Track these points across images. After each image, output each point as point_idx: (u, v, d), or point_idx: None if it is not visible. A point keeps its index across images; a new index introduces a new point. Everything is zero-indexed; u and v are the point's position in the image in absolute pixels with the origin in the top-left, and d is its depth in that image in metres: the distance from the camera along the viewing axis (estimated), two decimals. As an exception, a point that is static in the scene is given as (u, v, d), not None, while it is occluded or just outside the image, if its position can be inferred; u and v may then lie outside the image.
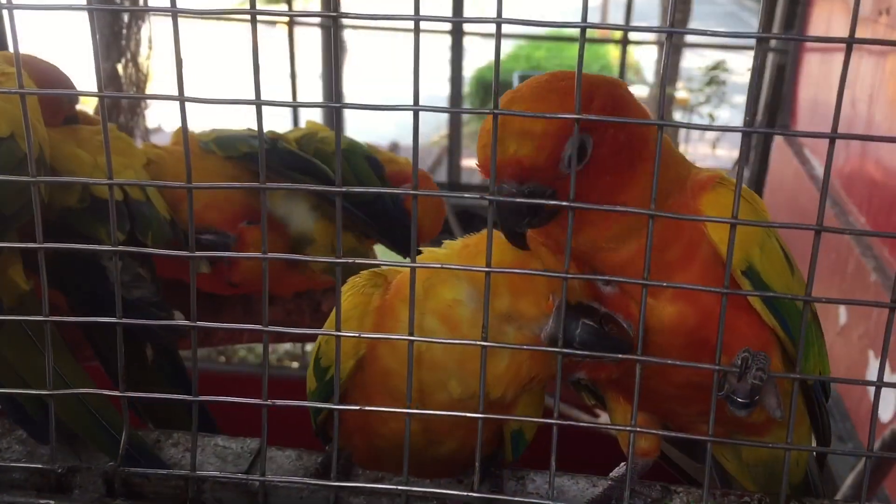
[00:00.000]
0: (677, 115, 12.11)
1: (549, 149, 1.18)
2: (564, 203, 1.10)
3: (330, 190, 1.13)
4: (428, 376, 1.35)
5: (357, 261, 1.20)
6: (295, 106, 1.21)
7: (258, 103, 1.10)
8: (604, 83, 1.25)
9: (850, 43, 1.02)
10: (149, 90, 3.41)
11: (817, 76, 6.11)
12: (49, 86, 1.85)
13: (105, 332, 1.74)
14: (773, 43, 6.87)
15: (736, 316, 1.29)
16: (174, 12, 1.07)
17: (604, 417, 4.74)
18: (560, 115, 1.12)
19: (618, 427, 1.46)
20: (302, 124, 3.40)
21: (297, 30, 7.12)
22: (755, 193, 1.41)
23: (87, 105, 2.34)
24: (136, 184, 1.18)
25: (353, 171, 2.28)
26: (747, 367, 1.20)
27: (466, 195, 1.61)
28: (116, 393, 1.23)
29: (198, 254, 1.18)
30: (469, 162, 9.50)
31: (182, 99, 1.12)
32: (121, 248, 1.19)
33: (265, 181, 1.15)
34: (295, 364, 6.50)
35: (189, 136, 2.22)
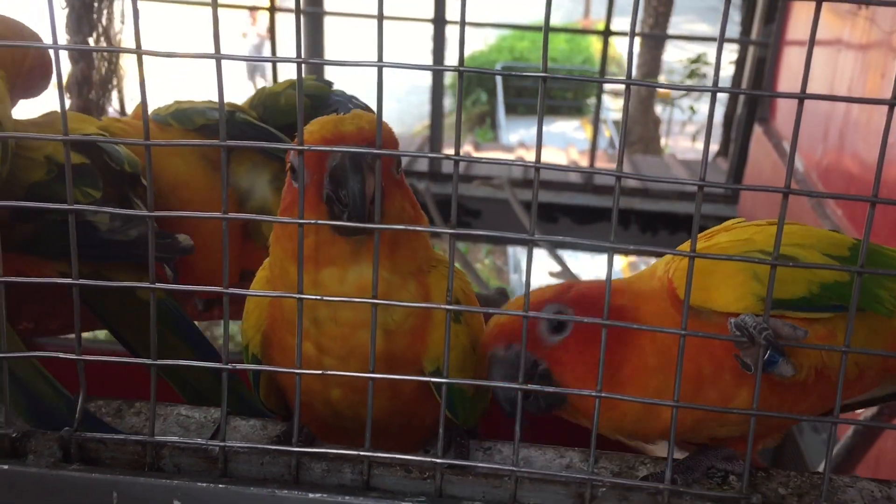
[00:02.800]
0: (658, 108, 12.14)
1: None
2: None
3: (291, 147, 1.12)
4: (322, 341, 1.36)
5: (319, 222, 1.18)
6: (254, 60, 1.19)
7: (218, 57, 1.08)
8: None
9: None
10: (122, 66, 3.37)
11: (797, 69, 6.14)
12: (14, 39, 1.83)
13: (103, 291, 1.76)
14: (753, 35, 6.90)
15: None
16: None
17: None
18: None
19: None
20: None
21: (280, 17, 7.07)
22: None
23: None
24: (93, 139, 1.15)
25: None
26: (750, 334, 1.16)
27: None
28: (72, 356, 1.21)
29: (156, 213, 1.16)
30: (451, 151, 9.45)
31: (139, 52, 1.10)
32: (75, 206, 1.16)
33: (226, 139, 1.13)
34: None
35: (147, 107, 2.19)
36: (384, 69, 1.07)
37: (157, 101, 2.25)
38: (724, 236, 1.40)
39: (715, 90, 1.04)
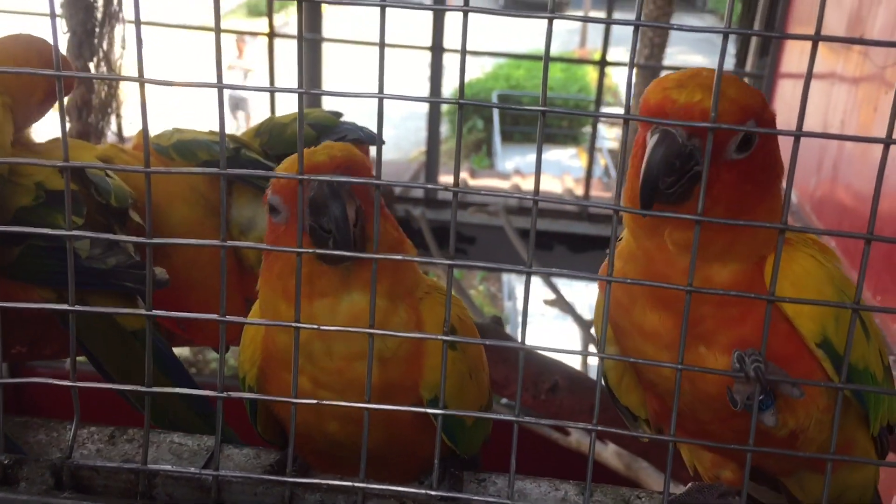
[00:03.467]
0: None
1: (734, 115, 1.15)
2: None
3: (293, 177, 1.12)
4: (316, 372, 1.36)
5: (316, 251, 1.19)
6: (257, 90, 1.19)
7: (219, 87, 1.09)
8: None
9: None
10: (121, 91, 3.39)
11: (791, 101, 6.19)
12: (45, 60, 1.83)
13: (85, 318, 1.76)
14: (748, 67, 6.96)
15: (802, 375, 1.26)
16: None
17: (575, 435, 4.72)
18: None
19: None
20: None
21: (277, 42, 7.11)
22: (831, 250, 1.35)
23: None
24: (91, 166, 1.16)
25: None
26: (744, 365, 1.16)
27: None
28: (66, 382, 1.20)
29: (155, 240, 1.16)
30: (446, 178, 9.49)
31: (142, 81, 1.10)
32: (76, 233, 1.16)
33: (225, 167, 1.13)
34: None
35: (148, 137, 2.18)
36: (381, 100, 1.07)
37: (154, 125, 2.24)
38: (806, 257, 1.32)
39: (713, 126, 1.05)
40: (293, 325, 1.18)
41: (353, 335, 1.29)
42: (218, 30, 1.05)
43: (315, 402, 1.23)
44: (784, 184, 1.22)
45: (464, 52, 1.05)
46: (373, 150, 2.19)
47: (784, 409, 1.23)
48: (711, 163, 1.09)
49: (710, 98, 1.06)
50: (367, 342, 1.20)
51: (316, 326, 1.22)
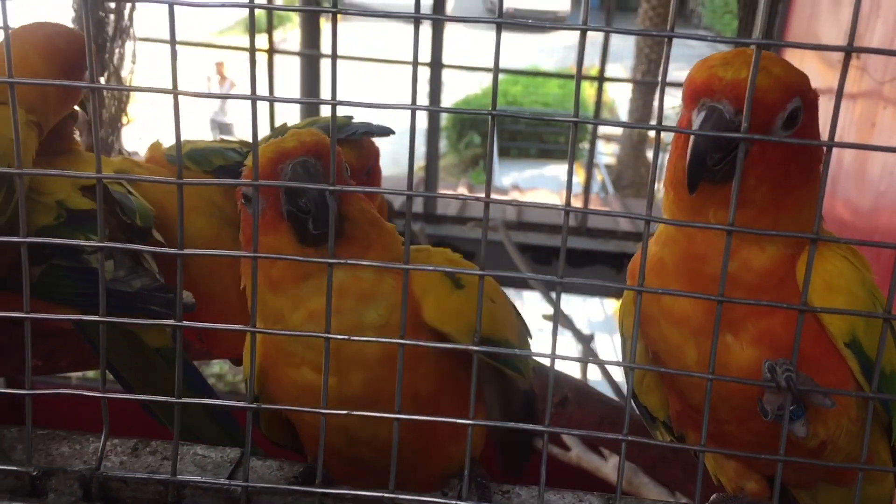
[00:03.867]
0: (650, 154, 12.25)
1: (781, 91, 1.17)
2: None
3: (322, 188, 1.13)
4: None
5: (349, 261, 1.19)
6: (289, 101, 1.20)
7: (253, 98, 1.09)
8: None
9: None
10: (130, 106, 3.40)
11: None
12: (75, 51, 1.80)
13: (111, 335, 1.73)
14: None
15: (825, 378, 1.25)
16: (169, 3, 1.06)
17: (575, 451, 4.71)
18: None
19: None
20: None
21: (277, 59, 7.15)
22: (863, 256, 1.35)
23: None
24: (121, 178, 1.16)
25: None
26: (775, 374, 1.15)
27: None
28: (97, 394, 1.20)
29: (186, 251, 1.17)
30: (447, 192, 9.52)
31: (175, 92, 1.11)
32: (107, 244, 1.17)
33: (258, 178, 1.14)
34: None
35: (159, 149, 2.16)
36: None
37: (150, 139, 2.23)
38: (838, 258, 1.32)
39: (744, 137, 1.06)
40: (250, 328, 1.20)
41: (342, 309, 1.30)
42: (253, 48, 1.06)
43: (345, 412, 1.22)
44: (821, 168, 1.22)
45: (497, 67, 1.06)
46: (385, 151, 2.18)
47: (815, 419, 1.24)
48: (758, 141, 1.12)
49: (759, 76, 1.06)
50: (358, 313, 1.26)
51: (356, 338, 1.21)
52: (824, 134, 1.05)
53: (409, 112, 1.06)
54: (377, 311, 1.34)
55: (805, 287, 1.07)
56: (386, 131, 2.19)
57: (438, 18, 1.09)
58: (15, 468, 1.27)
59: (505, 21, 1.04)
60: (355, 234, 1.33)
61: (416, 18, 1.05)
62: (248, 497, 1.26)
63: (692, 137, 1.15)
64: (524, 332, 1.53)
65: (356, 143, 2.18)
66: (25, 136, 1.71)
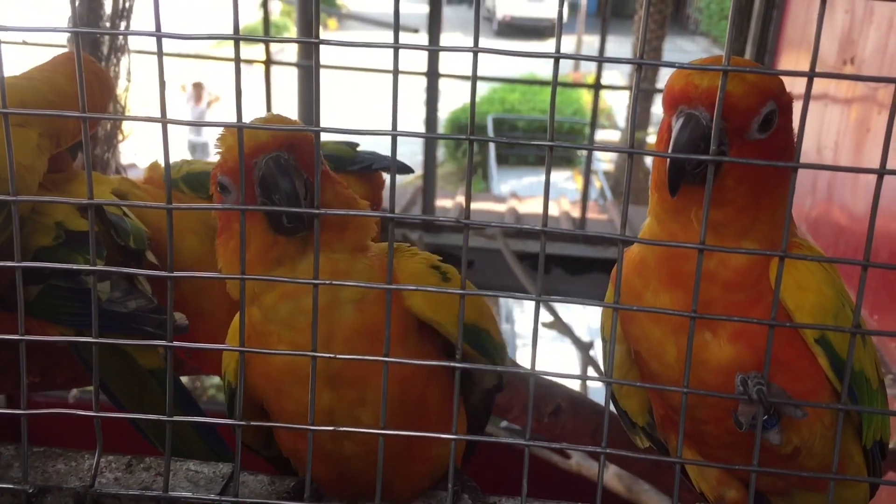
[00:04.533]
0: (649, 161, 12.31)
1: (755, 97, 1.21)
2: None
3: (307, 212, 1.17)
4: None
5: (333, 282, 1.22)
6: (275, 129, 1.23)
7: (240, 126, 1.13)
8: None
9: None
10: (126, 125, 3.43)
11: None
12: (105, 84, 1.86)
13: (104, 356, 1.76)
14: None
15: (798, 378, 1.30)
16: (158, 36, 1.10)
17: (575, 458, 4.73)
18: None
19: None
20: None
21: (274, 69, 7.19)
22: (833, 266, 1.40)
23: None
24: (114, 203, 1.19)
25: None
26: (747, 387, 1.20)
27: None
28: (90, 413, 1.23)
29: (176, 274, 1.20)
30: (443, 202, 9.54)
31: (164, 121, 1.14)
32: (99, 268, 1.20)
33: (245, 203, 1.17)
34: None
35: (158, 170, 2.19)
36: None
37: (149, 157, 2.25)
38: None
39: (712, 159, 1.09)
40: (239, 348, 1.23)
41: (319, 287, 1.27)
42: (238, 79, 1.09)
43: (332, 428, 1.25)
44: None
45: (473, 91, 1.10)
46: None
47: (788, 427, 1.27)
48: (735, 143, 1.18)
49: (730, 82, 1.12)
50: (334, 289, 1.28)
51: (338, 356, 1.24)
52: (810, 133, 1.08)
53: (403, 121, 1.10)
54: (350, 289, 1.35)
55: (774, 306, 1.10)
56: (407, 170, 2.22)
57: (416, 48, 1.13)
58: (11, 486, 1.30)
59: (482, 50, 1.07)
60: (330, 218, 1.31)
61: (395, 48, 1.09)
62: (239, 512, 1.29)
63: (671, 144, 1.21)
64: (497, 324, 1.59)
65: (367, 175, 2.22)
66: (36, 160, 1.76)
